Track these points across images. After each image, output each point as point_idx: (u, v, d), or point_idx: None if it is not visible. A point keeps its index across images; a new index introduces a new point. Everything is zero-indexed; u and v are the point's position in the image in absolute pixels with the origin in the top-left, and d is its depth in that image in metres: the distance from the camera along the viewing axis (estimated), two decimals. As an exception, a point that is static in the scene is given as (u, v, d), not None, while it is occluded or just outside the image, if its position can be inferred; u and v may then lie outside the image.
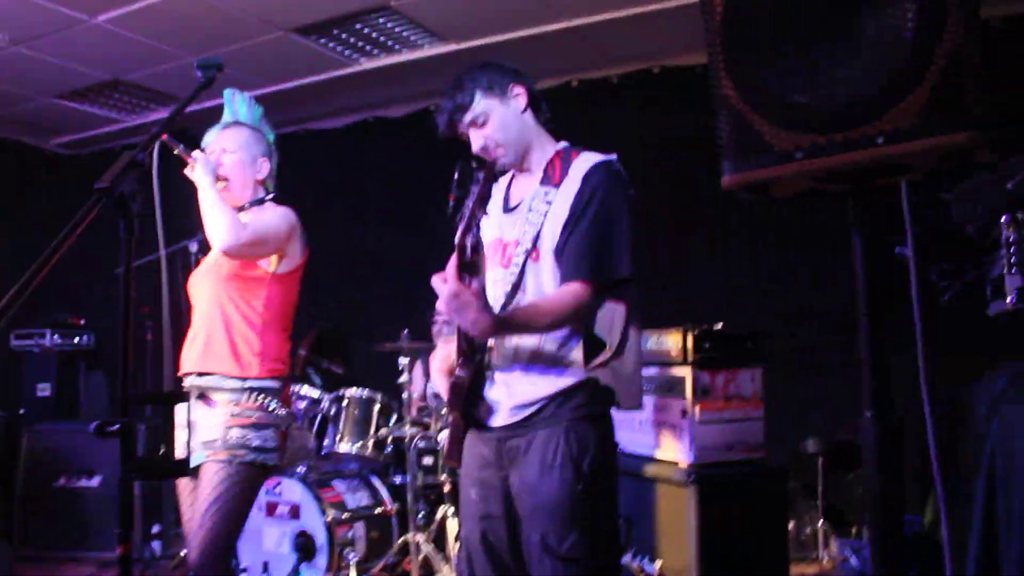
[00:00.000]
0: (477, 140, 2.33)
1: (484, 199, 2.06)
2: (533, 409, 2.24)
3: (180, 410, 2.27)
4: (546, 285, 2.26)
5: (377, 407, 4.58)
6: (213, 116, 3.04)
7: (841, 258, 2.10)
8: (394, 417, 4.62)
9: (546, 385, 2.24)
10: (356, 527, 4.40)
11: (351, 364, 5.43)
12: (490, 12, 4.83)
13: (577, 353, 2.24)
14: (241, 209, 2.89)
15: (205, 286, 2.85)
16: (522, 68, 2.48)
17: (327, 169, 6.32)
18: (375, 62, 5.54)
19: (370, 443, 4.49)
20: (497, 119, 2.32)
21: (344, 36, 5.14)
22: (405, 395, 4.41)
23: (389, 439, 4.54)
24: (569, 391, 2.23)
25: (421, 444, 4.42)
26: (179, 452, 1.75)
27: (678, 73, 5.27)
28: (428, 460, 4.49)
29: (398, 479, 4.59)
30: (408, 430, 4.36)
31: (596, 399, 2.26)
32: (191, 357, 2.78)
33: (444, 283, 1.98)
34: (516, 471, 2.25)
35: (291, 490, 4.35)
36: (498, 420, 2.29)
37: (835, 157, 1.51)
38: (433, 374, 2.45)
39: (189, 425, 2.41)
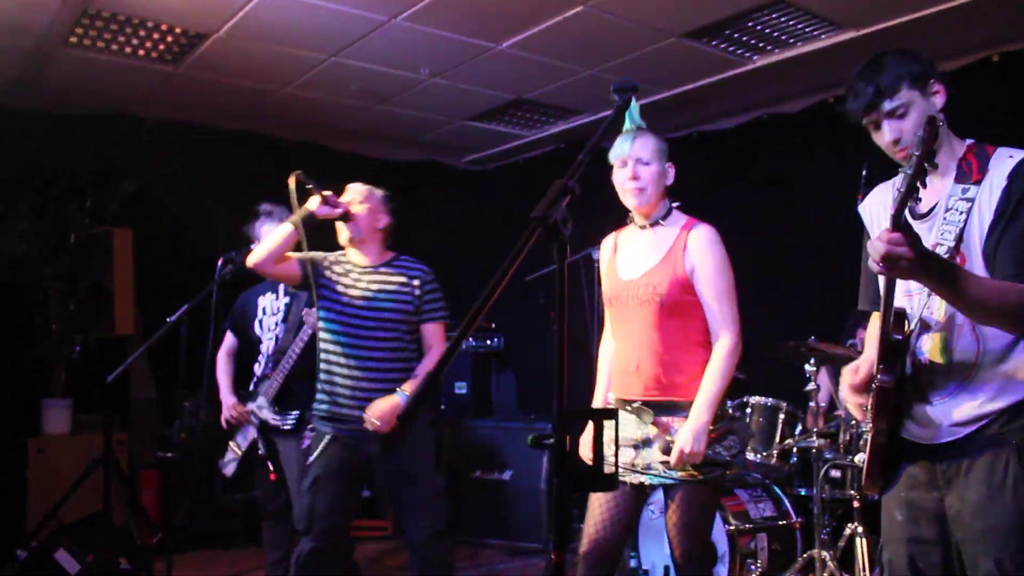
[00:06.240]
0: (891, 132, 2.17)
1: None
2: (976, 427, 2.09)
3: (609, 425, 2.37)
4: None
5: (782, 416, 4.43)
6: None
7: None
8: (799, 427, 4.45)
9: (991, 401, 2.08)
10: (759, 538, 4.30)
11: (755, 370, 5.32)
12: (898, -8, 4.48)
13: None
14: (656, 224, 2.97)
15: (642, 313, 2.92)
16: (932, 48, 2.28)
17: (720, 170, 6.24)
18: (769, 58, 5.37)
19: (774, 453, 4.36)
20: (917, 114, 2.15)
21: (736, 35, 5.05)
22: (812, 404, 4.22)
23: (794, 449, 4.38)
24: (1018, 408, 2.06)
25: (828, 456, 4.22)
26: (608, 467, 1.80)
27: None
28: (835, 473, 4.27)
29: (803, 491, 4.42)
30: (815, 441, 4.18)
31: None
32: (638, 384, 2.91)
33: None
34: (955, 493, 2.12)
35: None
36: (932, 438, 2.15)
37: None
38: (842, 388, 2.32)
39: (618, 441, 2.60)
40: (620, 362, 3.01)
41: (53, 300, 5.59)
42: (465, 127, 6.86)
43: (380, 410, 3.38)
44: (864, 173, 4.13)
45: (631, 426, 2.86)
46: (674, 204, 3.03)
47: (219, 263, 4.12)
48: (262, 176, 6.57)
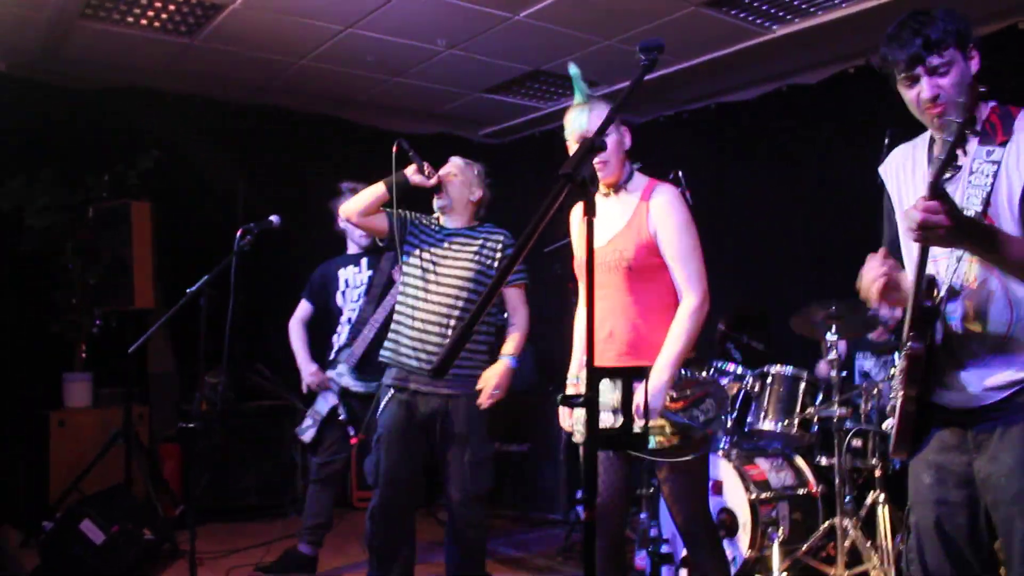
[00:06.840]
0: (930, 88, 2.13)
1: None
2: (1012, 391, 2.08)
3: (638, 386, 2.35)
4: None
5: (803, 385, 4.41)
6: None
7: None
8: (820, 396, 4.43)
9: None
10: (779, 507, 4.30)
11: (773, 341, 5.30)
12: (921, -42, 4.40)
13: None
14: (619, 189, 2.97)
15: (612, 280, 2.92)
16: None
17: (739, 142, 6.19)
18: (789, 28, 5.30)
19: (795, 422, 4.35)
20: (957, 74, 2.12)
21: (756, 4, 4.98)
22: (833, 373, 4.20)
23: (815, 419, 4.36)
24: None
25: (849, 425, 4.20)
26: (637, 427, 1.79)
27: None
28: (857, 442, 4.26)
29: (824, 460, 4.40)
30: (836, 410, 4.16)
31: None
32: (612, 350, 2.89)
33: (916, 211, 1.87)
34: (986, 456, 2.12)
35: (715, 466, 4.35)
36: (966, 402, 2.15)
37: None
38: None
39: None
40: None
41: (73, 273, 5.60)
42: (481, 99, 6.82)
43: (493, 381, 3.56)
44: (887, 140, 4.09)
45: (608, 392, 2.83)
46: (636, 166, 3.02)
47: (238, 235, 4.12)
48: (279, 148, 6.60)
